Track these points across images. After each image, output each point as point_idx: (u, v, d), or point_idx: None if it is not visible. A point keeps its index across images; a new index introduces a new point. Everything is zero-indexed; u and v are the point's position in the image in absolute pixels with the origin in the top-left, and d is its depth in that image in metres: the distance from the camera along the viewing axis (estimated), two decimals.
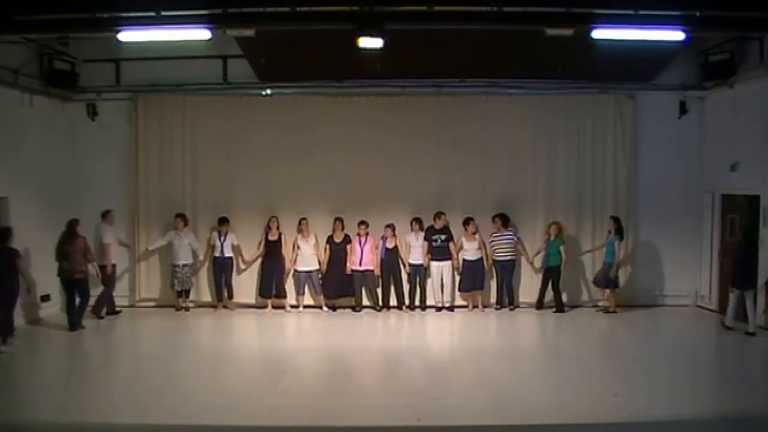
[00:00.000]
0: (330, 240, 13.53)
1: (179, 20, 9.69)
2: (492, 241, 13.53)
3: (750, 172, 12.23)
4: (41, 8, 9.60)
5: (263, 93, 13.86)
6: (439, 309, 13.58)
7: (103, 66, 13.53)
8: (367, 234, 13.46)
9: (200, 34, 10.15)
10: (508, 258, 13.50)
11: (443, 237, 13.46)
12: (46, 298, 12.75)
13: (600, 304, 13.56)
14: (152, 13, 9.45)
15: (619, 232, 13.09)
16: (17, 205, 11.92)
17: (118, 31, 10.02)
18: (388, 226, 13.47)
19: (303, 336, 12.41)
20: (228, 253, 13.54)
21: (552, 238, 13.40)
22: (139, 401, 8.19)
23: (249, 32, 10.45)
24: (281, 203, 13.78)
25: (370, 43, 9.69)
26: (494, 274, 13.66)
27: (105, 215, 12.93)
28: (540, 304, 13.57)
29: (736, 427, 7.60)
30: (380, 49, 9.92)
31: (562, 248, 13.35)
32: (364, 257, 13.44)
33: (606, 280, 13.16)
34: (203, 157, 13.88)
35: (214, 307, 13.68)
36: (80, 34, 11.70)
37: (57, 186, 13.21)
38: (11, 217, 11.75)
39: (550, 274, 13.44)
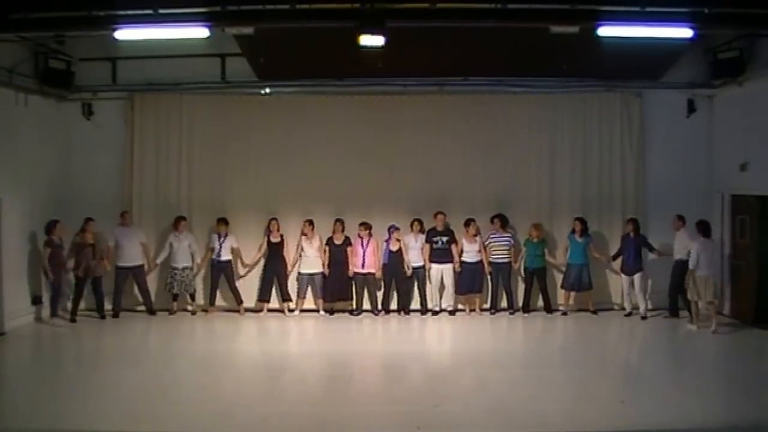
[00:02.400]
0: (330, 242, 13.31)
1: (177, 18, 9.54)
2: (489, 242, 13.31)
3: (760, 172, 11.98)
4: (37, 6, 9.48)
5: (262, 92, 13.66)
6: (436, 313, 13.34)
7: (99, 65, 13.33)
8: (369, 236, 13.24)
9: (198, 32, 9.99)
10: (504, 260, 13.28)
11: (445, 239, 13.23)
12: (37, 300, 12.55)
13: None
14: (149, 11, 9.34)
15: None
16: (11, 205, 11.74)
17: (114, 30, 9.90)
18: (391, 228, 13.24)
19: (300, 341, 12.19)
20: (226, 257, 13.27)
21: (534, 240, 13.23)
22: (128, 408, 8.00)
23: (248, 30, 10.29)
24: (281, 204, 13.59)
25: (371, 40, 9.51)
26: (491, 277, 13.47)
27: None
28: (526, 308, 13.39)
29: None
30: (382, 47, 9.72)
31: (546, 250, 13.30)
32: (366, 259, 13.22)
33: (584, 282, 13.19)
34: (201, 157, 13.69)
35: (205, 311, 13.42)
36: (76, 32, 11.53)
37: (51, 186, 13.01)
38: (5, 217, 11.59)
39: (536, 276, 13.31)
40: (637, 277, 12.93)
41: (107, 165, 13.58)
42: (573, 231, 13.22)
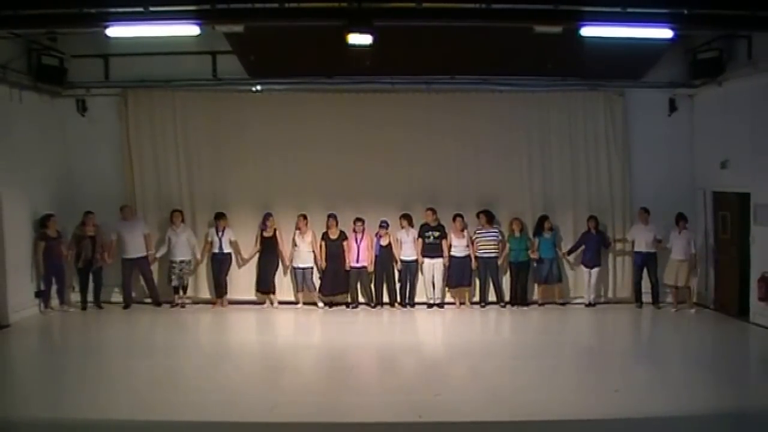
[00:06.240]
0: (325, 236, 13.51)
1: (167, 16, 9.62)
2: (476, 237, 13.53)
3: (740, 169, 12.25)
4: (28, 3, 9.52)
5: (253, 89, 13.83)
6: (429, 306, 13.57)
7: (91, 61, 13.48)
8: (363, 231, 13.44)
9: (189, 29, 10.10)
10: (492, 255, 13.50)
11: (437, 234, 13.44)
12: (40, 293, 12.71)
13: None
14: (140, 9, 9.39)
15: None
16: (11, 199, 11.91)
17: (106, 27, 9.98)
18: (382, 223, 13.44)
19: (300, 333, 12.39)
20: (227, 249, 13.49)
21: (517, 235, 13.47)
22: (135, 397, 8.13)
23: (238, 28, 10.42)
24: (275, 199, 13.76)
25: (359, 39, 9.63)
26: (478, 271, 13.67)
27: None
28: (514, 300, 13.64)
29: None
30: (369, 46, 9.87)
31: (528, 244, 13.56)
32: (360, 254, 13.44)
33: (554, 274, 13.58)
34: (195, 152, 13.85)
35: (213, 303, 13.63)
36: (68, 29, 11.65)
37: (47, 181, 13.15)
38: (5, 211, 11.77)
39: (520, 270, 13.55)
40: (595, 271, 13.54)
41: (104, 159, 13.75)
42: (540, 229, 13.48)
